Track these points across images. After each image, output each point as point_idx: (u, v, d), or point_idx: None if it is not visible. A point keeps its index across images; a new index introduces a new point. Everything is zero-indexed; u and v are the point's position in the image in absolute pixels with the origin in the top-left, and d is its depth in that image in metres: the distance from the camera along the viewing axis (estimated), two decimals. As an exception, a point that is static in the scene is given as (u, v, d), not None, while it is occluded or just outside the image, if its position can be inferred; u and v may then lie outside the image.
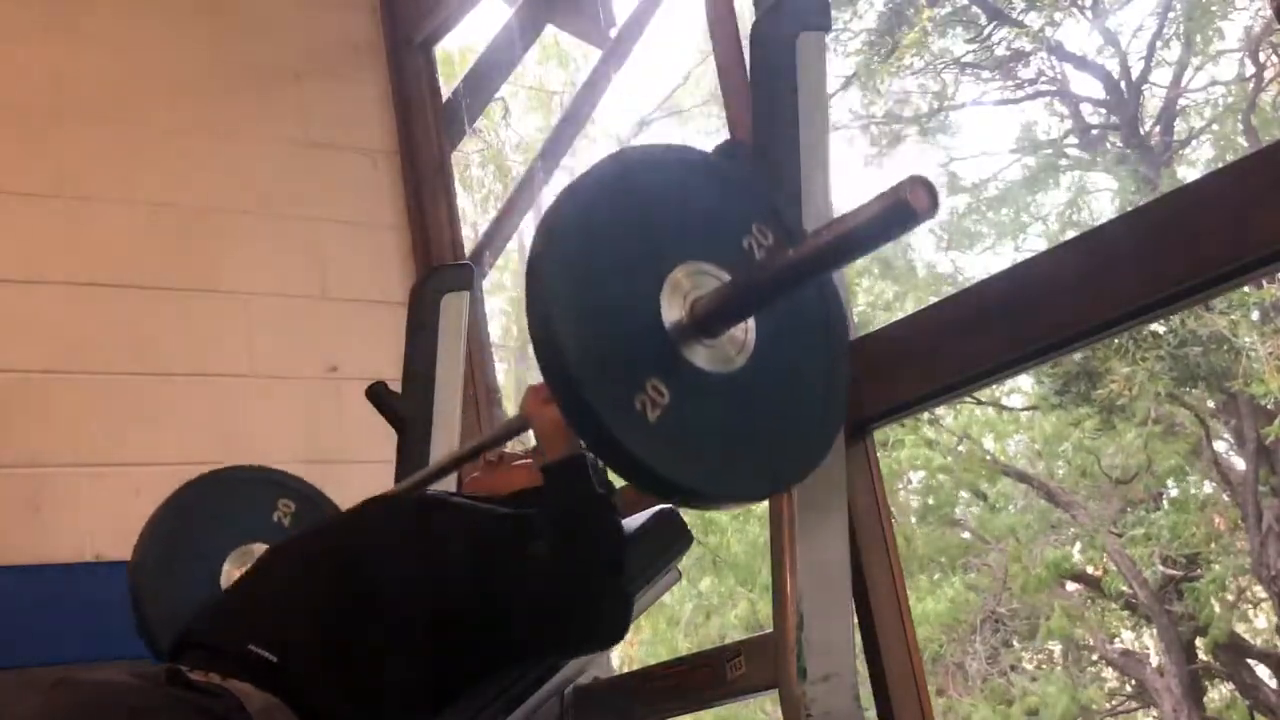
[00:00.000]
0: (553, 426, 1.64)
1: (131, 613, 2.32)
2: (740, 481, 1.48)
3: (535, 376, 1.69)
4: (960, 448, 10.06)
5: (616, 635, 1.70)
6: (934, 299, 6.99)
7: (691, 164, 1.55)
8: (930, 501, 10.55)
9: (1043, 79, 10.06)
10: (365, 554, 1.74)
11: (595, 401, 1.35)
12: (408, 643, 1.65)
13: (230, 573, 2.41)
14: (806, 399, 1.55)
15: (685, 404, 1.39)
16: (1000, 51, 9.78)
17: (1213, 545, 8.83)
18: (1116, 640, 10.23)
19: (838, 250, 1.37)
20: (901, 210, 1.23)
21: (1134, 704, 10.33)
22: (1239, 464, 8.96)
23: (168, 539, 2.40)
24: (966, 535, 10.57)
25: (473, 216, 10.17)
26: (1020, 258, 8.56)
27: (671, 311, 1.42)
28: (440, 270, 2.90)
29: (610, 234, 1.43)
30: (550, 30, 3.63)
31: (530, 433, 1.81)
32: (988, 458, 10.35)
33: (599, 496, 1.64)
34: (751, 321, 1.49)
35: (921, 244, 11.05)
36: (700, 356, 1.43)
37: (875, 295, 10.97)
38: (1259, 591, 9.14)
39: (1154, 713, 9.68)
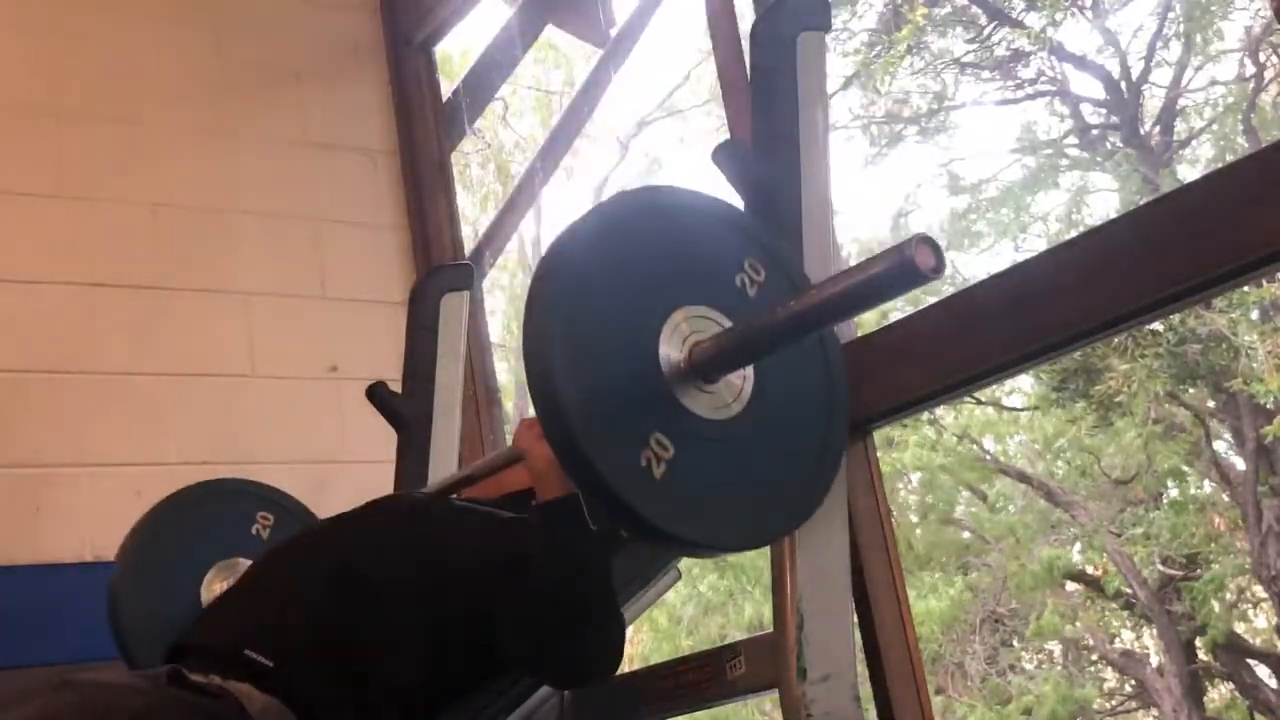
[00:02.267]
0: (548, 463, 1.60)
1: (111, 631, 2.31)
2: (741, 530, 1.48)
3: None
4: (960, 448, 10.06)
5: (599, 675, 1.69)
6: (934, 299, 6.97)
7: (675, 205, 1.54)
8: (930, 501, 10.56)
9: (1043, 79, 10.06)
10: (365, 559, 1.74)
11: (601, 461, 1.33)
12: (407, 647, 1.65)
13: (211, 585, 2.40)
14: (804, 444, 1.55)
15: (688, 456, 1.38)
16: (1000, 51, 9.78)
17: (1212, 545, 8.83)
18: (1116, 640, 10.23)
19: (840, 306, 1.36)
20: (907, 269, 1.24)
21: (1134, 704, 10.33)
22: (1239, 464, 8.96)
23: (145, 557, 2.37)
24: (966, 535, 10.58)
25: (473, 216, 10.18)
26: (1020, 258, 8.56)
27: (670, 357, 1.41)
28: (440, 270, 2.89)
29: (603, 285, 1.41)
30: (550, 30, 3.63)
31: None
32: (988, 458, 10.36)
33: (594, 536, 1.61)
34: (749, 368, 1.48)
35: (921, 244, 11.04)
36: (698, 403, 1.42)
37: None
38: (1259, 591, 9.14)
39: (1154, 713, 9.68)
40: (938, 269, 1.24)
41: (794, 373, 1.55)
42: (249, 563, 2.40)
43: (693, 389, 1.42)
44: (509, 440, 3.63)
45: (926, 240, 1.24)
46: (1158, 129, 9.66)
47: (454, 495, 1.97)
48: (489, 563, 1.71)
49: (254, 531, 2.45)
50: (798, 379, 1.56)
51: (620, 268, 1.43)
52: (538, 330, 1.36)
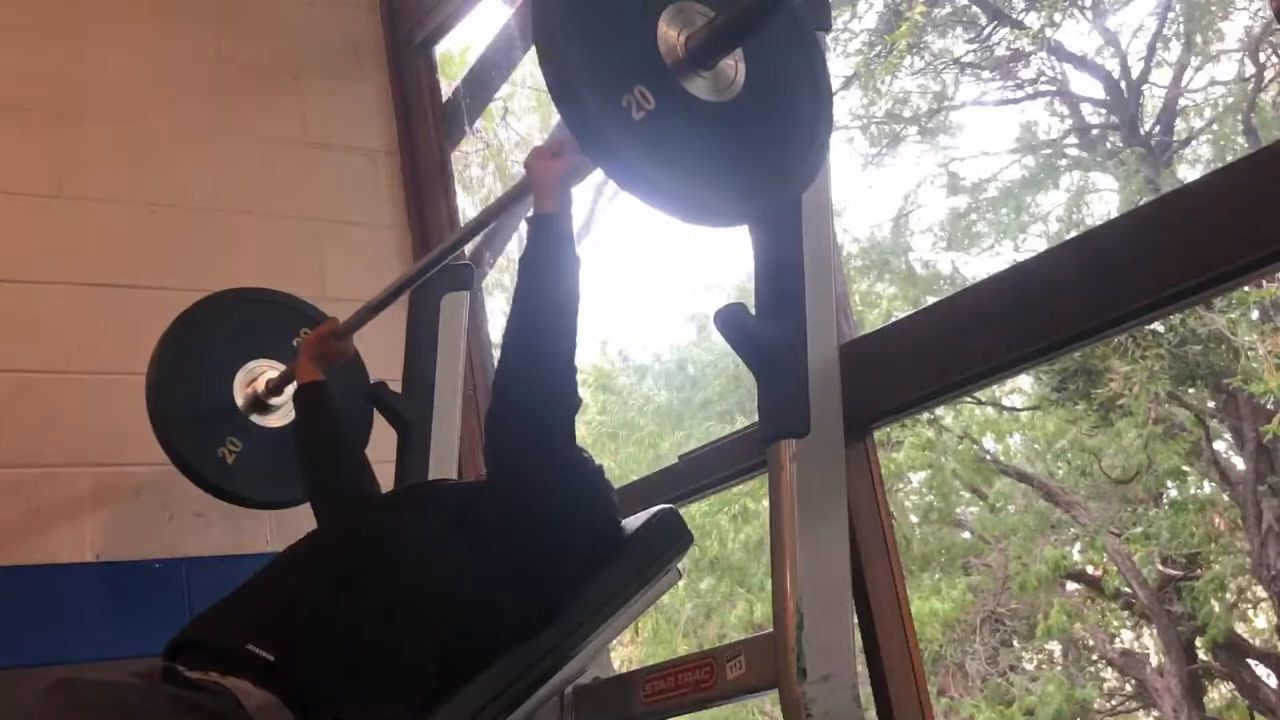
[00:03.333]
0: (550, 177, 1.79)
1: (147, 411, 2.51)
2: (718, 195, 1.55)
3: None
4: (960, 448, 10.06)
5: (566, 368, 1.78)
6: (933, 299, 6.98)
7: None
8: (930, 501, 10.56)
9: (1043, 79, 10.06)
10: (367, 555, 1.75)
11: (583, 90, 1.43)
12: (410, 644, 1.65)
13: (241, 386, 2.51)
14: (791, 135, 1.64)
15: (672, 116, 1.48)
16: (1000, 51, 9.78)
17: (1213, 545, 8.83)
18: (1116, 640, 10.23)
19: None
20: None
21: (1134, 704, 10.33)
22: (1239, 464, 8.96)
23: (185, 342, 2.56)
24: (967, 535, 10.58)
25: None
26: (1020, 258, 8.56)
27: (668, 43, 1.51)
28: (440, 270, 2.89)
29: None
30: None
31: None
32: (987, 458, 10.35)
33: (575, 253, 1.78)
34: (742, 60, 1.58)
35: (921, 244, 11.06)
36: (695, 86, 1.53)
37: (874, 295, 10.97)
38: (1259, 591, 9.14)
39: (1154, 713, 9.68)
40: None
41: (784, 70, 1.65)
42: (274, 364, 2.58)
43: (692, 75, 1.52)
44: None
45: None
46: (1158, 129, 9.65)
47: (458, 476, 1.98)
48: (470, 509, 1.79)
49: (294, 343, 2.60)
50: (787, 76, 1.66)
51: None
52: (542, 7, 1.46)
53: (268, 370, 2.61)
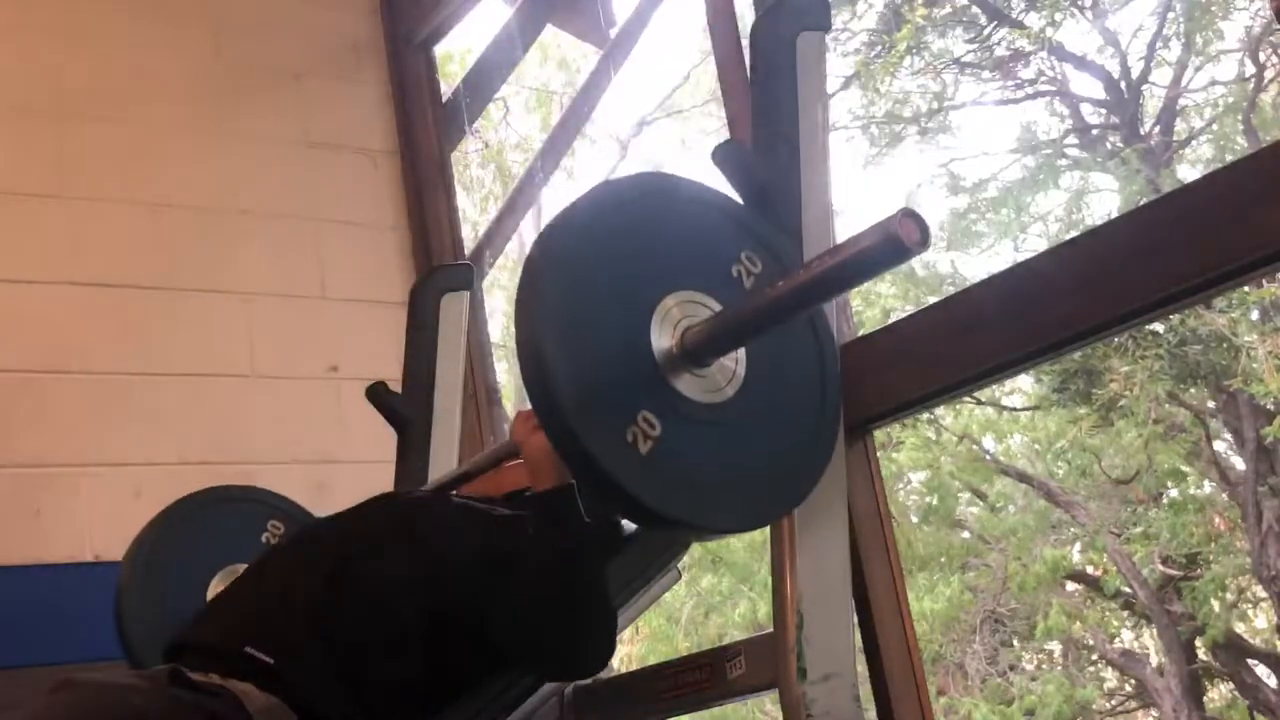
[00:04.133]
0: (542, 454, 1.62)
1: (115, 629, 2.30)
2: (732, 512, 1.48)
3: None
4: (960, 448, 10.06)
5: (595, 667, 1.69)
6: (934, 299, 6.98)
7: (676, 193, 1.55)
8: (930, 501, 10.56)
9: (1043, 79, 10.06)
10: (362, 554, 1.74)
11: (587, 436, 1.34)
12: (406, 643, 1.65)
13: (215, 590, 2.40)
14: (798, 428, 1.56)
15: (676, 435, 1.39)
16: (1000, 51, 9.78)
17: (1212, 545, 8.82)
18: (1116, 640, 10.23)
19: (828, 283, 1.37)
20: (892, 244, 1.24)
21: (1134, 704, 10.33)
22: (1239, 464, 8.96)
23: (154, 557, 2.37)
24: (966, 535, 10.58)
25: (473, 216, 10.18)
26: (1020, 258, 8.56)
27: (661, 341, 1.43)
28: (440, 270, 2.90)
29: (598, 266, 1.43)
30: (550, 30, 3.64)
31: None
32: (987, 458, 10.35)
33: (587, 527, 1.62)
34: (742, 351, 1.49)
35: (921, 244, 11.03)
36: (690, 386, 1.43)
37: (873, 295, 10.97)
38: (1259, 591, 9.14)
39: (1154, 713, 9.68)
40: (923, 242, 1.24)
41: (787, 358, 1.56)
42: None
43: (685, 373, 1.44)
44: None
45: (910, 214, 1.25)
46: (1158, 129, 9.65)
47: (453, 492, 1.97)
48: (486, 559, 1.70)
49: (264, 539, 2.45)
50: (791, 364, 1.57)
51: (615, 251, 1.45)
52: (530, 310, 1.38)
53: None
